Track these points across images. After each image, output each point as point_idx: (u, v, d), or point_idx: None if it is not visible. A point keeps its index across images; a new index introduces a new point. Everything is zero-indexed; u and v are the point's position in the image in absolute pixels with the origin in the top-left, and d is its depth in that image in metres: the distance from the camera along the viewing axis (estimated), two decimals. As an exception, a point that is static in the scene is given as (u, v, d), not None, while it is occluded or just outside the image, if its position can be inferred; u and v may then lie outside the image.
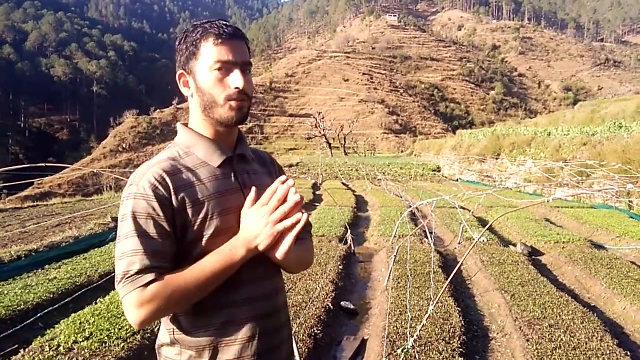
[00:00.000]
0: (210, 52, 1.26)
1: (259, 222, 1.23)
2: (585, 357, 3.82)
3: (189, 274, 1.20)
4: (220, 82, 1.28)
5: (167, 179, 1.22)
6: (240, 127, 1.39)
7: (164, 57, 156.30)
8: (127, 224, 1.20)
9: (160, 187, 1.21)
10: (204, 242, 1.25)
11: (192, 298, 1.21)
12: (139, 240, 1.18)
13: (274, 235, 1.23)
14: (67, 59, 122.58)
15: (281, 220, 1.23)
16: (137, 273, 1.17)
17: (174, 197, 1.22)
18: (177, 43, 1.34)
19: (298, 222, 1.21)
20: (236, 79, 1.28)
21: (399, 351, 3.81)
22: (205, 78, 1.28)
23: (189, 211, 1.23)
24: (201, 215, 1.25)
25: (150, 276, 1.17)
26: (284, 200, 1.25)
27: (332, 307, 5.10)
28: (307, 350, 4.03)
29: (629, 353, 3.98)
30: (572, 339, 4.14)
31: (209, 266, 1.21)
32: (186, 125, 1.38)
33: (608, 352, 3.89)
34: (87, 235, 8.40)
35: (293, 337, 3.77)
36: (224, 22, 1.30)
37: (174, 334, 1.28)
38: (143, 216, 1.19)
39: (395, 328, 4.34)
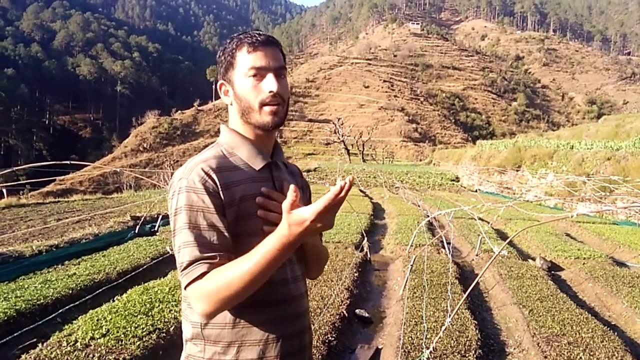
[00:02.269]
0: (244, 60, 1.33)
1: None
2: (604, 377, 3.74)
3: (241, 261, 1.17)
4: (255, 88, 1.33)
5: (214, 175, 1.27)
6: (277, 136, 1.42)
7: (187, 59, 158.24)
8: (180, 217, 1.24)
9: (209, 181, 1.25)
10: (243, 240, 1.28)
11: (250, 284, 1.15)
12: (189, 232, 1.22)
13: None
14: (93, 59, 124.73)
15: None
16: (188, 265, 1.20)
17: (221, 193, 1.26)
18: (217, 56, 1.40)
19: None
20: (269, 83, 1.33)
21: (414, 362, 3.77)
22: (241, 85, 1.34)
23: (236, 207, 1.28)
24: (243, 213, 1.29)
25: (202, 267, 1.19)
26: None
27: (346, 314, 5.07)
28: (320, 357, 4.01)
29: (650, 375, 3.88)
30: (592, 357, 4.05)
31: (260, 248, 1.16)
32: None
33: (629, 373, 3.80)
34: (107, 233, 8.52)
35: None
36: (257, 31, 1.37)
37: (200, 328, 1.29)
38: (194, 208, 1.23)
39: (410, 338, 4.30)
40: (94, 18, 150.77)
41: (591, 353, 4.13)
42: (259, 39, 1.34)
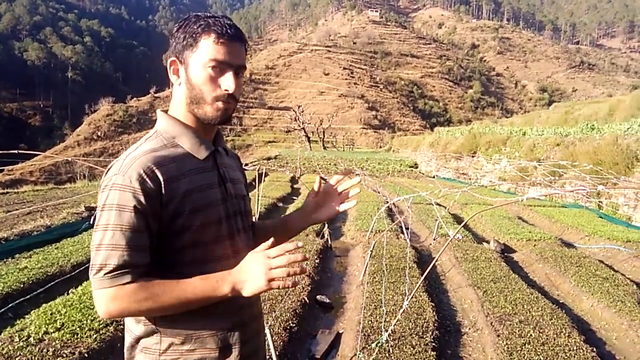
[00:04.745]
0: (208, 49, 1.26)
1: (257, 270, 1.20)
2: (553, 352, 3.93)
3: (168, 288, 1.19)
4: (212, 81, 1.28)
5: (156, 171, 1.21)
6: (234, 124, 1.39)
7: (141, 44, 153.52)
8: (109, 214, 1.18)
9: (148, 180, 1.19)
10: (188, 235, 1.25)
11: (164, 311, 1.21)
12: (121, 234, 1.17)
13: (262, 289, 1.20)
14: (41, 43, 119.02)
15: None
16: (115, 269, 1.16)
17: (163, 189, 1.21)
18: (174, 29, 1.31)
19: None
20: (228, 81, 1.28)
21: (373, 345, 3.86)
22: (198, 73, 1.27)
23: (177, 203, 1.23)
24: (188, 208, 1.24)
25: (128, 276, 1.17)
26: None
27: (307, 301, 5.12)
28: (282, 343, 4.04)
29: (594, 349, 4.11)
30: (541, 334, 4.25)
31: (190, 289, 1.20)
32: (166, 112, 1.36)
33: (575, 348, 4.01)
34: (59, 225, 8.23)
35: (267, 327, 3.79)
36: (228, 21, 1.30)
37: (155, 324, 1.27)
38: (127, 209, 1.17)
39: (369, 322, 4.39)
40: (41, 0, 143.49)
41: (541, 330, 4.33)
42: (229, 31, 1.27)
